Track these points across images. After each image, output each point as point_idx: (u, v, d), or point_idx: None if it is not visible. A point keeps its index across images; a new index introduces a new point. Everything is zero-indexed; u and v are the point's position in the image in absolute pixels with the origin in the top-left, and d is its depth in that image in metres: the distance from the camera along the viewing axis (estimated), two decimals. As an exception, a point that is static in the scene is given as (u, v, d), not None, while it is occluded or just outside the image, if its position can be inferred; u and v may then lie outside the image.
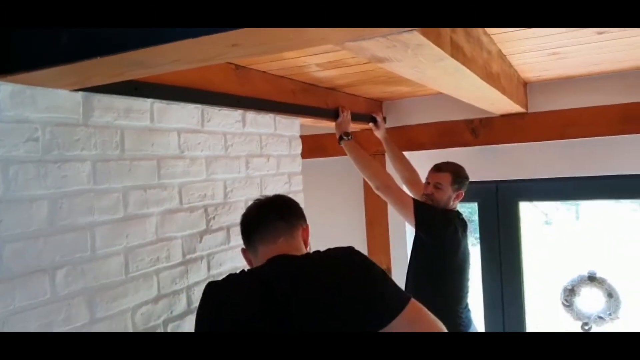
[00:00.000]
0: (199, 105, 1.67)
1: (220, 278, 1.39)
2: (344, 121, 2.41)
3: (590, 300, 2.95)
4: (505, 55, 1.95)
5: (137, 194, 1.45)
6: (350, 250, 1.31)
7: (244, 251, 1.45)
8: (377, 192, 2.38)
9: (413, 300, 1.23)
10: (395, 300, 1.22)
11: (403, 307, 1.20)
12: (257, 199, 1.48)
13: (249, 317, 1.22)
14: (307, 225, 1.44)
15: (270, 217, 1.39)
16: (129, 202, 1.42)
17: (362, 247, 3.14)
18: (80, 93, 1.29)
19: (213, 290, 1.32)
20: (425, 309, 1.24)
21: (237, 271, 1.37)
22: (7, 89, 1.12)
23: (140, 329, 1.43)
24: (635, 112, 2.44)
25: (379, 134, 2.81)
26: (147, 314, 1.46)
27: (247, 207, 1.49)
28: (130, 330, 1.40)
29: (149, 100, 1.49)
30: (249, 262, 1.43)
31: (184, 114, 1.63)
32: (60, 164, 1.24)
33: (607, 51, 1.98)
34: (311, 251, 1.39)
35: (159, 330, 1.50)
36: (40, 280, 1.18)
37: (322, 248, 1.40)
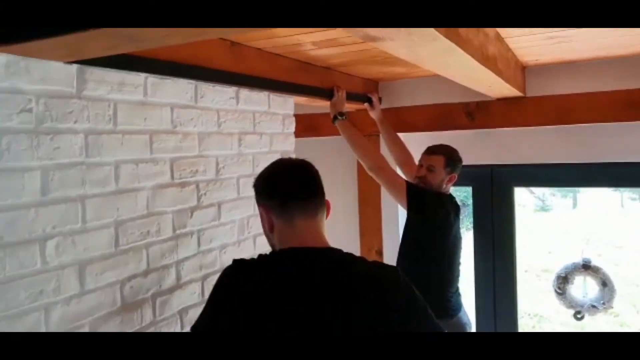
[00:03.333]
0: (192, 81, 1.67)
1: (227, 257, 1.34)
2: (338, 100, 2.41)
3: (584, 288, 2.96)
4: (503, 38, 1.94)
5: (129, 168, 1.46)
6: (402, 277, 1.21)
7: (266, 211, 1.26)
8: (369, 173, 2.39)
9: None
10: None
11: None
12: (288, 159, 1.32)
13: (283, 313, 1.12)
14: (328, 200, 1.33)
15: (311, 186, 1.27)
16: (120, 175, 1.43)
17: (354, 228, 3.16)
18: (75, 65, 1.29)
19: (244, 270, 1.21)
20: None
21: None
22: (1, 60, 1.12)
23: (129, 302, 1.45)
24: (639, 98, 2.41)
25: (374, 114, 2.81)
26: (136, 287, 1.48)
27: (274, 165, 1.31)
28: (119, 302, 1.42)
29: (143, 75, 1.49)
30: (269, 224, 1.26)
31: (177, 90, 1.63)
32: (52, 136, 1.24)
33: (608, 36, 1.97)
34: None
35: (146, 304, 1.52)
36: (31, 250, 1.20)
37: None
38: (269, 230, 1.27)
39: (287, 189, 1.25)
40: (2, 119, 1.13)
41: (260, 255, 1.26)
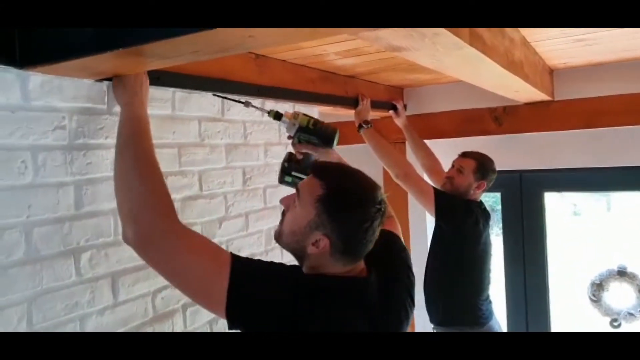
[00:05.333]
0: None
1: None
2: (363, 109, 2.42)
3: (620, 295, 2.87)
4: (529, 43, 1.92)
5: (159, 181, 1.48)
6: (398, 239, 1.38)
7: (327, 241, 1.07)
8: (396, 180, 2.38)
9: None
10: None
11: None
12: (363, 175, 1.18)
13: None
14: None
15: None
16: (151, 188, 1.46)
17: (382, 236, 3.14)
18: (105, 82, 1.32)
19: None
20: None
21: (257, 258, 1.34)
22: (37, 79, 1.16)
23: (160, 312, 1.48)
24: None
25: (399, 121, 2.80)
26: (167, 298, 1.50)
27: (366, 221, 1.10)
28: (150, 313, 1.45)
29: (171, 90, 1.52)
30: (322, 249, 1.08)
31: (204, 103, 1.65)
32: (85, 151, 1.28)
33: (637, 37, 1.93)
34: None
35: (177, 314, 1.54)
36: (66, 263, 1.23)
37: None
38: (310, 251, 1.10)
39: (364, 258, 1.15)
40: (38, 136, 1.17)
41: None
